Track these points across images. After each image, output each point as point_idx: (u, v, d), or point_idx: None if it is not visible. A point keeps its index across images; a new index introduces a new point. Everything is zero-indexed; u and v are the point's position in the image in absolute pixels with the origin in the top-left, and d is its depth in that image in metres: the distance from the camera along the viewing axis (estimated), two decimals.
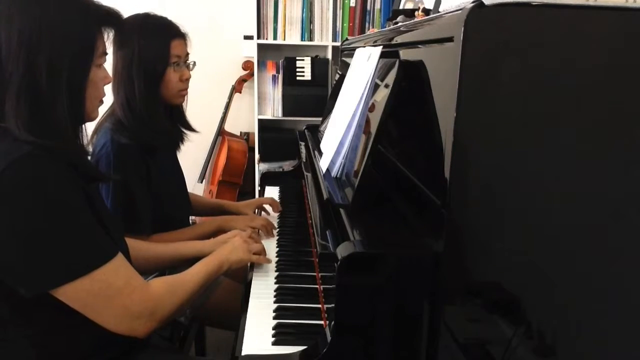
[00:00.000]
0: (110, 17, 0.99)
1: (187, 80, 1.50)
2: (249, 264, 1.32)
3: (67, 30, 0.91)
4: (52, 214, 0.87)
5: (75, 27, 0.92)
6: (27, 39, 0.88)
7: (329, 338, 0.83)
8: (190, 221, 1.80)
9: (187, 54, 1.50)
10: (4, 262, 0.87)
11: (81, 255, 0.89)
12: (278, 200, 1.88)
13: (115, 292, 0.92)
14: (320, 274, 1.22)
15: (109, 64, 1.06)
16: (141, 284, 0.97)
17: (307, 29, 2.96)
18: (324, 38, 2.97)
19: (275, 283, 1.23)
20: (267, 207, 1.78)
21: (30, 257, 0.86)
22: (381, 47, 1.09)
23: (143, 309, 0.96)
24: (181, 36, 1.47)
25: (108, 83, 1.02)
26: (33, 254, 0.86)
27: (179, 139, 1.60)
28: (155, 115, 1.44)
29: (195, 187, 3.04)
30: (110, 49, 1.03)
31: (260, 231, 1.52)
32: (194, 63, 1.53)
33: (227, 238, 1.33)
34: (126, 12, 1.16)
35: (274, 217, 1.72)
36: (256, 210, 1.78)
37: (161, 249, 1.35)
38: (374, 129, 1.02)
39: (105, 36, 0.99)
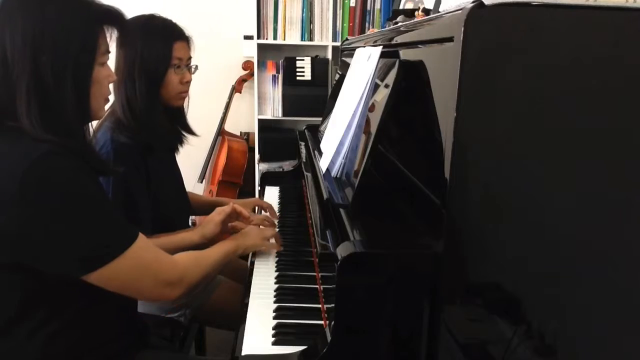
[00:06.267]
0: (112, 15, 1.00)
1: (188, 83, 1.50)
2: (248, 264, 1.33)
3: (69, 30, 0.92)
4: (82, 205, 0.91)
5: (76, 26, 0.93)
6: (30, 40, 0.89)
7: (329, 338, 0.83)
8: (190, 222, 1.79)
9: (190, 57, 1.50)
10: (45, 256, 0.90)
11: (114, 238, 0.96)
12: (278, 200, 1.88)
13: (148, 264, 1.01)
14: (320, 274, 1.22)
15: (111, 63, 1.06)
16: (168, 255, 1.07)
17: (307, 29, 2.96)
18: (324, 38, 2.97)
19: (275, 283, 1.23)
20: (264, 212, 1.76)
21: (70, 248, 0.90)
22: (381, 47, 1.09)
23: (172, 277, 1.06)
24: (184, 39, 1.47)
25: (112, 81, 1.03)
26: (72, 245, 0.90)
27: (177, 141, 1.60)
28: (154, 116, 1.44)
29: (195, 187, 3.04)
30: (112, 48, 1.03)
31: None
32: (196, 67, 1.53)
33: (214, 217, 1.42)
34: (129, 13, 1.15)
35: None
36: (256, 209, 1.77)
37: (155, 241, 1.35)
38: (374, 129, 1.02)
39: (108, 35, 1.00)
